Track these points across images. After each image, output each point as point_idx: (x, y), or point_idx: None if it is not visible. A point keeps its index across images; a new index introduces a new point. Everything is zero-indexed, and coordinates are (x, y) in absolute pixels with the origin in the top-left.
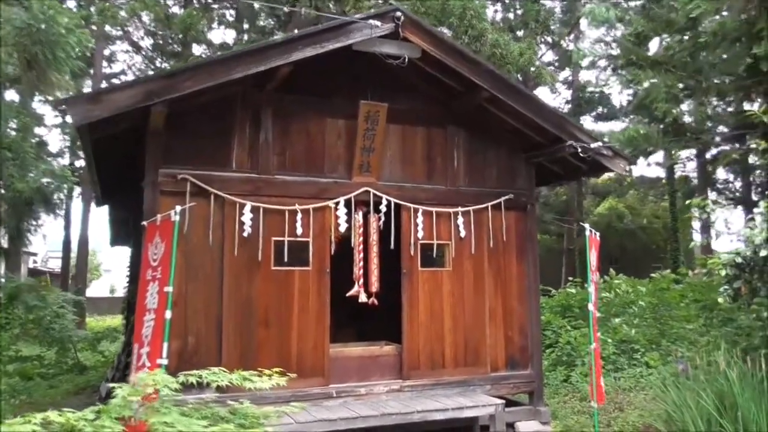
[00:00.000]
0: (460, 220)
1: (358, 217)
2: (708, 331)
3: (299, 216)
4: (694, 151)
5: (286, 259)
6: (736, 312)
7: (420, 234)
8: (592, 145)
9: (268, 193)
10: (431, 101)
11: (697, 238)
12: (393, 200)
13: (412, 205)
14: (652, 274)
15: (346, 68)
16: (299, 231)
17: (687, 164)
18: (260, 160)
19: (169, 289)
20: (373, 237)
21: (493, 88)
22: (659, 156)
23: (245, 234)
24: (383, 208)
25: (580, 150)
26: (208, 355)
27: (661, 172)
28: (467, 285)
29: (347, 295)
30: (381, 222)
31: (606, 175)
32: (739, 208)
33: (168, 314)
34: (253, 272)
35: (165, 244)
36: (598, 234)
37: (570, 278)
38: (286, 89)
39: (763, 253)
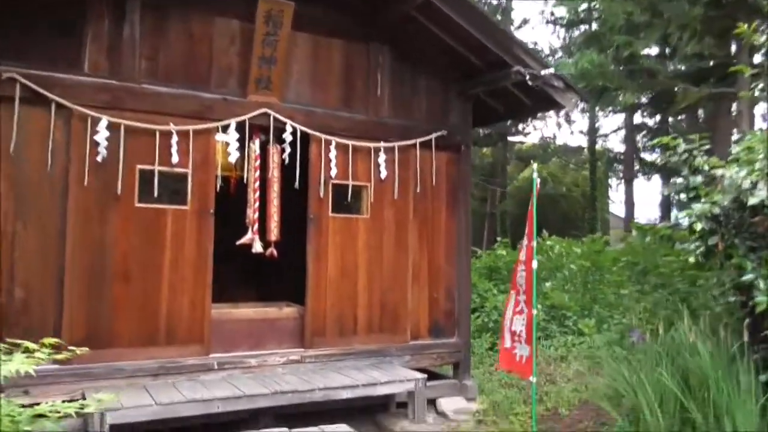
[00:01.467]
0: (382, 157)
1: (254, 146)
2: (644, 297)
3: (174, 139)
4: (621, 120)
5: (156, 194)
6: (706, 272)
7: (332, 172)
8: (542, 72)
9: (132, 107)
10: (352, 9)
11: (614, 209)
12: (299, 127)
13: (323, 136)
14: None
15: None
16: (174, 159)
17: (611, 136)
18: (123, 64)
19: None
20: (273, 173)
21: None
22: (584, 123)
23: (99, 158)
24: (287, 137)
25: (528, 77)
26: (43, 315)
27: (583, 141)
28: (387, 237)
29: (238, 243)
30: (284, 155)
31: (530, 140)
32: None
33: None
34: (109, 209)
35: None
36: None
37: (497, 240)
38: None
39: (752, 200)
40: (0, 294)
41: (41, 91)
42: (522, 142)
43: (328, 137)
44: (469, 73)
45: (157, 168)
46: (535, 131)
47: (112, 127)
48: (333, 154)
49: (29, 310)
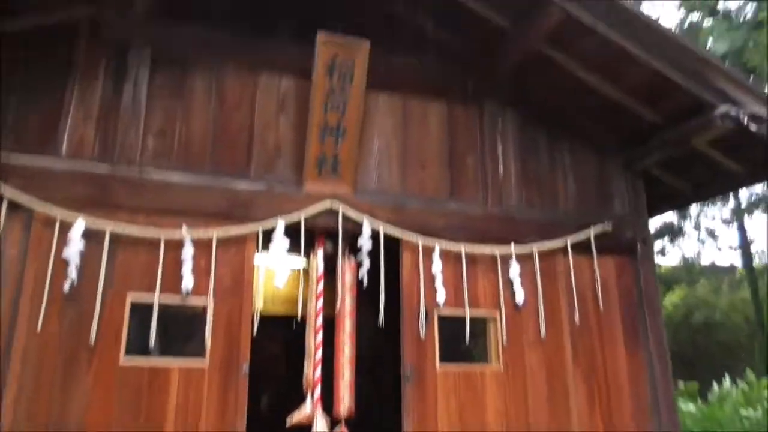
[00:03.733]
0: (515, 269)
1: (315, 260)
2: None
3: (188, 251)
4: None
5: (154, 341)
6: None
7: (438, 296)
8: None
9: (127, 204)
10: (453, 55)
11: None
12: (383, 228)
13: (420, 239)
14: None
15: None
16: (187, 283)
17: None
18: (120, 140)
19: None
20: (346, 302)
21: (573, 3)
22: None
23: (67, 285)
24: (365, 243)
25: (747, 120)
26: None
27: (734, 258)
28: (534, 397)
29: (290, 423)
30: (361, 273)
31: (672, 262)
32: None
33: None
34: (76, 369)
35: None
36: None
37: None
38: (177, 15)
39: None
40: None
41: None
42: (659, 264)
43: (429, 241)
44: (636, 134)
45: (158, 298)
46: (673, 250)
47: (91, 236)
48: (437, 266)
49: None
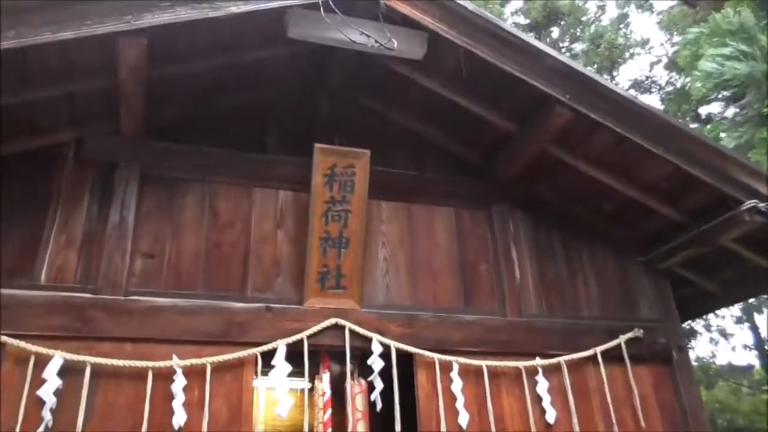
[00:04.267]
0: (543, 384)
1: (320, 385)
2: None
3: (180, 383)
4: None
5: None
6: None
7: (461, 419)
8: None
9: (112, 333)
10: (455, 160)
11: None
12: (395, 345)
13: (436, 356)
14: None
15: (292, 97)
16: (179, 417)
17: None
18: (104, 265)
19: None
20: (358, 428)
21: (582, 102)
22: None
23: (42, 428)
24: (375, 363)
25: None
26: None
27: (750, 358)
28: None
29: None
30: (373, 396)
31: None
32: None
33: None
34: None
35: None
36: None
37: None
38: (166, 132)
39: None
40: None
41: None
42: None
43: (446, 357)
44: (657, 232)
45: None
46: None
47: (70, 370)
48: (457, 385)
49: None
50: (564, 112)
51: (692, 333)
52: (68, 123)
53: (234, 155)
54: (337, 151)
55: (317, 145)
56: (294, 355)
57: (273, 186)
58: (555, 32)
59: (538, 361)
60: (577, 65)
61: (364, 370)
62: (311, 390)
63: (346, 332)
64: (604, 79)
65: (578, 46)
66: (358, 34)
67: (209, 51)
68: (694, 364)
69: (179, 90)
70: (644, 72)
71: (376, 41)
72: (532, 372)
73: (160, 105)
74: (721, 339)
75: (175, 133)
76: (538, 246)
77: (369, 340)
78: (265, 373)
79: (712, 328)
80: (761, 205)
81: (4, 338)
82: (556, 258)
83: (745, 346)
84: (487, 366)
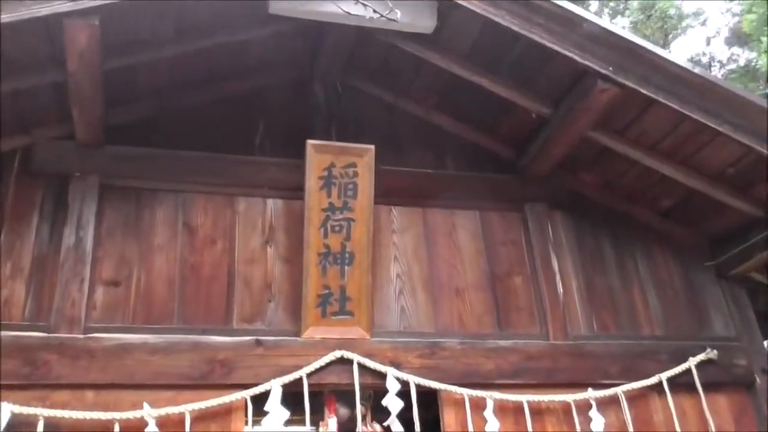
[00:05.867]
0: (598, 420)
1: (327, 430)
2: None
3: None
4: None
5: None
6: None
7: None
8: None
9: (70, 379)
10: (479, 153)
11: None
12: (414, 380)
13: (466, 392)
14: None
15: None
16: None
17: None
18: (58, 298)
19: None
20: None
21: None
22: None
23: None
24: (391, 402)
25: None
26: None
27: None
28: None
29: None
30: None
31: None
32: None
33: None
34: None
35: None
36: None
37: None
38: (130, 136)
39: None
40: None
41: None
42: None
43: (477, 393)
44: (729, 231)
45: None
46: None
47: (20, 424)
48: (493, 426)
49: None
50: (607, 88)
51: None
52: (12, 128)
53: (212, 159)
54: (334, 147)
55: (309, 141)
56: (292, 397)
57: (260, 194)
58: (593, 5)
59: (591, 393)
60: (621, 31)
61: (379, 412)
62: None
63: (355, 367)
64: (654, 47)
65: (621, 21)
66: (353, 4)
67: (177, 35)
68: None
69: (143, 84)
70: (700, 47)
71: (375, 11)
72: (584, 406)
73: (120, 102)
74: None
75: (140, 135)
76: (583, 252)
77: (383, 375)
78: (257, 421)
79: None
80: None
81: None
82: (605, 266)
83: None
84: (528, 401)
